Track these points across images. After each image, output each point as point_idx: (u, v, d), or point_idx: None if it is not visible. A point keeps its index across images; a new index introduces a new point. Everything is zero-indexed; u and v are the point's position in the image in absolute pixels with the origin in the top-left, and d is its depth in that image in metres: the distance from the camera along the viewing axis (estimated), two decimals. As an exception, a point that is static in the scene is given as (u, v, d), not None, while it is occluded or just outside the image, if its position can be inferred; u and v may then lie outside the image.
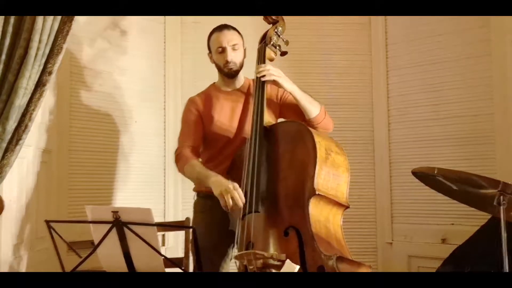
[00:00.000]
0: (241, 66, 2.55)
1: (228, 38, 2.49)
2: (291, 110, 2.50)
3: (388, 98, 3.59)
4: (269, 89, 2.49)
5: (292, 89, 2.40)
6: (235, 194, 2.12)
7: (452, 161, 3.20)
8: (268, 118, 2.39)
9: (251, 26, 2.60)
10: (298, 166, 2.18)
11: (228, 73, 2.53)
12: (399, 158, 3.52)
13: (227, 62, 2.49)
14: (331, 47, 3.66)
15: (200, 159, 2.51)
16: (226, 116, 2.52)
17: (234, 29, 2.54)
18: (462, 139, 3.28)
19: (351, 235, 3.10)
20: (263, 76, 2.37)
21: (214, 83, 2.64)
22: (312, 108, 2.41)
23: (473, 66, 3.26)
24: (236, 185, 2.15)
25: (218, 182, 2.20)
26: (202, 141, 2.54)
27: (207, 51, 2.59)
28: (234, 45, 2.49)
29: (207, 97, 2.58)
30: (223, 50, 2.49)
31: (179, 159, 2.46)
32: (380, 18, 3.63)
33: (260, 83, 2.39)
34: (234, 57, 2.50)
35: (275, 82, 2.40)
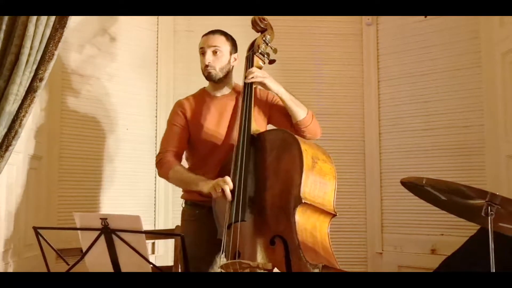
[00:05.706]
0: (224, 72, 2.49)
1: (210, 41, 2.46)
2: (281, 113, 2.48)
3: (379, 108, 3.62)
4: (258, 92, 2.50)
5: (278, 90, 2.39)
6: (225, 187, 2.13)
7: (442, 172, 3.22)
8: (256, 126, 2.36)
9: (240, 34, 2.59)
10: (285, 174, 2.16)
11: (207, 77, 2.49)
12: (390, 168, 3.53)
13: (205, 66, 2.46)
14: (322, 57, 3.68)
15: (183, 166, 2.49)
16: (214, 121, 2.49)
17: (223, 34, 2.50)
18: (452, 149, 3.30)
19: (341, 244, 3.12)
20: (250, 78, 2.36)
21: (204, 87, 2.61)
22: (299, 111, 2.40)
23: (463, 77, 3.30)
24: (228, 178, 2.16)
25: (208, 183, 2.22)
26: (185, 146, 2.52)
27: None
28: (215, 48, 2.45)
29: (196, 101, 2.55)
30: (202, 52, 2.48)
31: (162, 165, 2.45)
32: (372, 29, 3.66)
33: (248, 89, 2.37)
34: (213, 61, 2.45)
35: (262, 84, 2.39)
